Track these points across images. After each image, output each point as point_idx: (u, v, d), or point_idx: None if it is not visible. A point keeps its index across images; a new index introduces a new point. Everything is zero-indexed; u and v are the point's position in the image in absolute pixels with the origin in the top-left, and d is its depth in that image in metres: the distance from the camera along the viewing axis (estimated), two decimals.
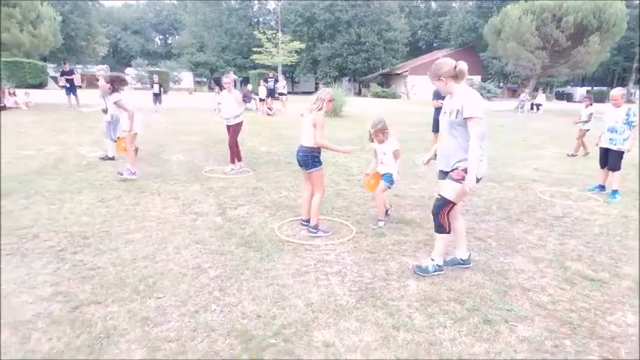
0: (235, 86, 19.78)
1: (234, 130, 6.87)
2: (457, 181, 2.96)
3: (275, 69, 28.81)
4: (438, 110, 8.36)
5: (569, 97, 43.86)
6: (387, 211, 4.40)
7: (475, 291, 2.93)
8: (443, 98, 8.63)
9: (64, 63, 16.97)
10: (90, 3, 42.70)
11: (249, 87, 18.52)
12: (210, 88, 51.27)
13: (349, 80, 48.94)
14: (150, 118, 14.84)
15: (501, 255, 3.60)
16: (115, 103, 6.11)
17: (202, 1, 51.12)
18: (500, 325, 2.50)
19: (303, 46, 31.35)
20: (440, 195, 3.08)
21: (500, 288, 2.97)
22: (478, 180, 2.93)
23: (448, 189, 3.03)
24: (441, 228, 3.12)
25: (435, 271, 3.15)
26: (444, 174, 3.13)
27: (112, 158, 7.39)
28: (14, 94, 15.52)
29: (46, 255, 3.38)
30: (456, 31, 43.05)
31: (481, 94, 8.43)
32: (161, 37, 75.35)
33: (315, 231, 3.96)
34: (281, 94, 18.38)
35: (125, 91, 6.26)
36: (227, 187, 5.77)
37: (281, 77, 20.11)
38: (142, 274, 3.09)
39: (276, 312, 2.63)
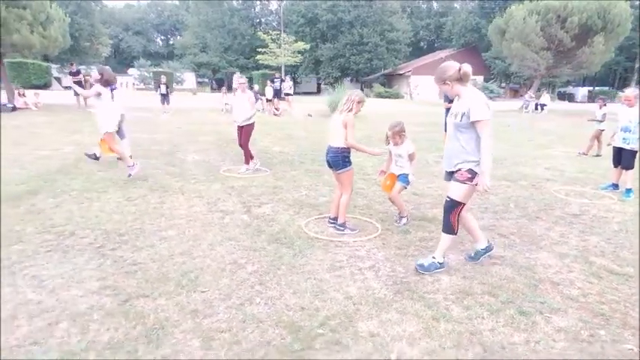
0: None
1: (246, 130, 6.90)
2: (462, 182, 3.06)
3: (279, 69, 28.93)
4: (448, 111, 8.48)
5: (570, 98, 43.91)
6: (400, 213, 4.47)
7: (506, 285, 3.03)
8: (452, 101, 8.76)
9: (71, 64, 17.09)
10: (93, 3, 42.82)
11: (256, 87, 18.62)
12: (213, 89, 51.48)
13: (351, 81, 49.05)
14: (158, 118, 14.98)
15: (526, 251, 3.71)
16: (96, 94, 6.03)
17: (205, 1, 51.25)
18: (536, 317, 2.61)
19: (307, 46, 31.46)
20: (448, 197, 3.18)
21: (530, 282, 3.08)
22: None
23: (455, 190, 3.13)
24: (450, 228, 3.21)
25: (435, 269, 3.22)
26: (449, 174, 3.24)
27: (98, 158, 7.16)
28: (24, 94, 15.64)
29: (87, 251, 3.49)
30: (458, 31, 43.18)
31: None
32: (162, 37, 75.47)
33: (342, 229, 4.06)
34: (287, 94, 18.49)
35: (109, 91, 6.11)
36: (247, 186, 5.88)
37: (287, 78, 20.22)
38: (182, 270, 3.20)
39: (319, 304, 2.73)
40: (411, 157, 4.34)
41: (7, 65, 29.59)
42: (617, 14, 18.83)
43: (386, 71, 45.01)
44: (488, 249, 3.43)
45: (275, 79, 19.18)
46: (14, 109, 14.50)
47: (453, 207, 3.15)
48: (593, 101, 38.75)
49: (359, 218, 4.58)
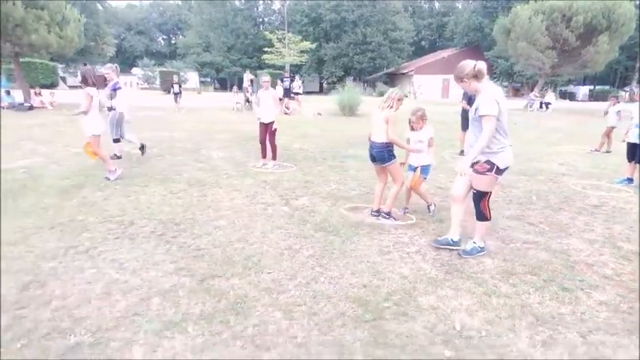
0: (253, 85, 20.22)
1: (271, 127, 7.11)
2: (482, 173, 3.29)
3: (283, 68, 29.20)
4: (465, 110, 8.75)
5: (571, 96, 44.23)
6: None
7: (545, 266, 3.31)
8: (470, 99, 9.02)
9: (84, 64, 17.37)
10: (98, 3, 43.03)
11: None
12: (215, 88, 51.74)
13: (353, 80, 49.37)
14: (172, 117, 15.25)
15: (556, 237, 3.98)
16: (86, 95, 5.62)
17: (208, 1, 51.50)
18: (577, 292, 2.88)
19: (313, 46, 31.77)
20: (475, 189, 3.42)
21: (566, 263, 3.36)
22: (503, 170, 3.31)
23: (479, 182, 3.36)
24: (483, 216, 3.46)
25: (477, 252, 3.47)
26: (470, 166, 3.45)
27: (120, 157, 7.32)
28: (40, 94, 15.91)
29: (151, 238, 3.76)
30: (461, 30, 43.48)
31: (470, 98, 8.64)
32: (164, 37, 75.66)
33: (387, 217, 4.33)
34: (296, 93, 18.76)
35: (100, 92, 5.99)
36: (279, 181, 6.14)
37: (297, 77, 20.49)
38: (244, 254, 3.47)
39: (378, 283, 3.01)
40: (430, 143, 4.56)
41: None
42: (622, 14, 19.12)
43: (388, 70, 45.28)
44: (456, 244, 3.61)
45: (284, 79, 19.44)
46: (31, 108, 14.76)
47: (481, 197, 3.40)
48: (595, 100, 39.13)
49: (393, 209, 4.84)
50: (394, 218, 4.36)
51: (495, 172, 3.29)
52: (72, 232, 3.82)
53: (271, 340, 2.31)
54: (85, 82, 5.67)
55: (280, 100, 18.54)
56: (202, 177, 6.20)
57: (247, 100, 18.33)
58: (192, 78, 48.47)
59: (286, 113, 17.51)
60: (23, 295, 2.71)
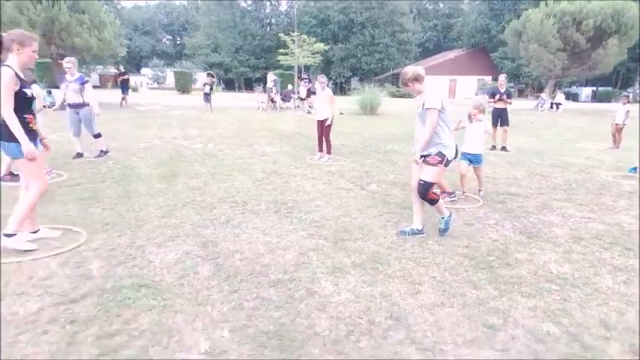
0: (275, 85, 20.91)
1: (326, 123, 7.85)
2: (434, 164, 3.71)
3: (299, 70, 29.95)
4: (496, 108, 9.51)
5: (574, 97, 44.98)
6: (451, 193, 5.23)
7: (605, 234, 4.06)
8: (493, 94, 9.75)
9: (116, 65, 18.15)
10: (118, 4, 43.68)
11: (290, 87, 19.63)
12: (223, 89, 52.46)
13: (360, 80, 50.15)
14: (205, 116, 15.98)
15: (607, 214, 4.73)
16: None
17: (216, 2, 52.25)
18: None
19: (327, 47, 32.54)
20: (423, 181, 3.76)
21: (622, 232, 4.11)
22: (450, 162, 3.77)
23: (429, 173, 3.75)
24: (433, 201, 3.85)
25: (449, 225, 3.92)
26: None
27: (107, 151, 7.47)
28: None
29: (271, 213, 4.50)
30: (468, 32, 44.31)
31: (494, 94, 9.38)
32: (170, 37, 76.33)
33: (453, 198, 5.12)
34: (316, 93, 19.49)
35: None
36: (342, 171, 6.87)
37: (318, 77, 21.20)
38: (355, 225, 4.20)
39: (476, 245, 3.74)
40: (485, 133, 5.36)
41: (36, 65, 30.61)
42: (631, 17, 19.93)
43: (395, 71, 46.01)
44: (421, 232, 3.93)
45: (304, 79, 20.20)
46: None
47: (427, 188, 3.78)
48: (598, 101, 39.95)
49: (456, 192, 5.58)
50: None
51: (445, 164, 3.75)
52: (204, 209, 4.56)
53: (418, 279, 3.04)
54: None
55: (303, 100, 19.38)
56: (273, 168, 6.94)
57: (272, 100, 19.08)
58: (201, 78, 49.21)
59: (310, 112, 18.25)
60: (207, 251, 3.44)
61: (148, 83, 49.74)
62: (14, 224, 3.29)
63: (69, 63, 6.96)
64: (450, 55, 44.07)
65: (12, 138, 3.18)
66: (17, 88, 3.19)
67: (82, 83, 6.94)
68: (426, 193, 3.81)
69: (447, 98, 3.84)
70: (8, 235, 3.26)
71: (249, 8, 55.27)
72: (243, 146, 9.19)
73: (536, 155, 8.92)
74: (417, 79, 3.74)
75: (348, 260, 3.34)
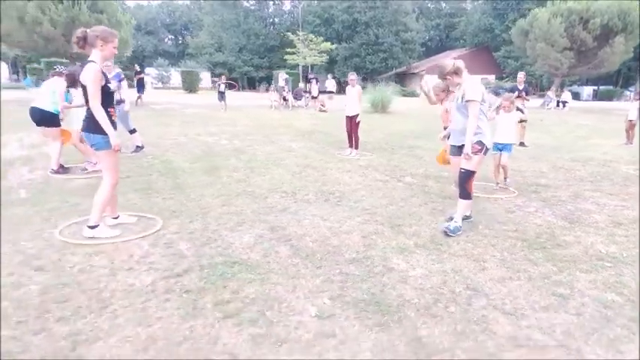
0: (287, 84, 21.22)
1: (355, 120, 8.13)
2: (475, 153, 3.77)
3: (305, 69, 30.20)
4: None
5: (576, 96, 45.22)
6: (497, 184, 5.63)
7: None
8: (512, 92, 9.91)
9: (134, 65, 18.42)
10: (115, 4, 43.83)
11: (301, 85, 19.89)
12: (227, 87, 52.80)
13: (363, 79, 50.38)
14: (221, 114, 16.22)
15: (636, 201, 5.00)
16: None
17: (220, 1, 52.48)
18: None
19: (333, 46, 32.83)
20: (464, 169, 3.83)
21: None
22: (487, 149, 3.88)
23: (470, 162, 3.80)
24: (467, 194, 3.89)
25: (458, 231, 3.79)
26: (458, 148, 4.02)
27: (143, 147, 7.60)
28: None
29: (322, 202, 4.75)
30: (472, 31, 44.60)
31: (497, 92, 9.73)
32: (172, 37, 76.52)
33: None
34: (330, 92, 19.78)
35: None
36: (373, 165, 7.12)
37: (329, 76, 21.52)
38: (404, 212, 4.46)
39: (523, 229, 4.00)
40: (521, 122, 5.63)
41: (44, 64, 30.82)
42: (637, 16, 20.20)
43: (399, 70, 46.30)
44: (469, 217, 4.10)
45: (311, 79, 20.50)
46: None
47: (468, 176, 3.84)
48: (599, 100, 40.26)
49: (490, 184, 5.85)
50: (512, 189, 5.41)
51: (484, 152, 3.87)
52: (257, 199, 4.81)
53: (480, 257, 3.29)
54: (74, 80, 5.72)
55: (314, 98, 19.67)
56: (305, 162, 7.19)
57: (284, 99, 19.34)
58: (206, 78, 49.46)
59: (322, 110, 18.53)
60: (278, 234, 3.70)
61: (152, 83, 49.94)
62: (95, 216, 3.52)
63: (107, 61, 7.23)
64: (454, 54, 44.29)
65: (98, 130, 3.42)
66: (103, 83, 3.44)
67: (119, 80, 7.20)
68: (467, 181, 3.87)
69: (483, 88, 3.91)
70: (92, 227, 3.50)
71: (253, 8, 55.47)
72: (268, 143, 9.43)
73: (553, 150, 9.18)
74: (457, 72, 3.84)
75: (410, 242, 3.60)
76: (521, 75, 10.36)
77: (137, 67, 17.56)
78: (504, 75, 39.92)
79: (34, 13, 12.83)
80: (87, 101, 3.43)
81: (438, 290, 2.73)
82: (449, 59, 4.02)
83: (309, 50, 27.94)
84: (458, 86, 3.94)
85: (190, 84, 33.41)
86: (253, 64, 52.87)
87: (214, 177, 5.87)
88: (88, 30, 3.45)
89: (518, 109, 6.77)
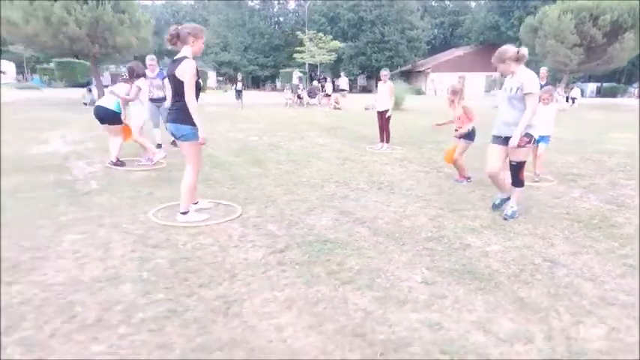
0: (301, 82, 21.53)
1: (386, 114, 8.40)
2: (523, 145, 3.84)
3: (313, 67, 30.49)
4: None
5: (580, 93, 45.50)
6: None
7: None
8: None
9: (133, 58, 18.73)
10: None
11: (315, 83, 20.18)
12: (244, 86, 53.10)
13: (367, 78, 50.64)
14: (239, 112, 16.51)
15: None
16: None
17: (225, 1, 52.76)
18: None
19: (342, 45, 33.09)
20: (514, 162, 3.98)
21: None
22: (536, 140, 4.06)
23: (519, 154, 3.93)
24: (520, 182, 4.06)
25: (516, 215, 4.03)
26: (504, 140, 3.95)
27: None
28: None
29: (374, 191, 5.03)
30: (477, 29, 44.82)
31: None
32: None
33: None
34: (343, 89, 20.07)
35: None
36: (407, 158, 7.39)
37: (342, 74, 21.81)
38: (457, 198, 4.73)
39: (575, 212, 4.28)
40: (562, 110, 5.87)
41: (56, 65, 31.12)
42: None
43: (404, 68, 46.51)
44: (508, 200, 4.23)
45: (321, 79, 20.82)
46: None
47: (519, 167, 4.01)
48: (602, 96, 40.51)
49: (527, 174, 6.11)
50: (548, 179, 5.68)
51: (533, 143, 3.94)
52: (314, 188, 5.09)
53: (545, 236, 3.57)
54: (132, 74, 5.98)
55: (328, 96, 19.96)
56: (342, 155, 7.47)
57: (299, 97, 19.63)
58: (212, 77, 49.78)
59: (337, 108, 18.82)
60: (351, 218, 3.98)
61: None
62: (184, 203, 3.81)
63: (152, 60, 7.51)
64: (459, 52, 44.63)
65: (188, 121, 3.69)
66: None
67: (163, 78, 7.29)
68: (519, 171, 4.00)
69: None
70: (183, 213, 3.79)
71: (258, 7, 55.75)
72: (298, 138, 9.70)
73: (575, 144, 9.45)
74: (519, 59, 3.74)
75: (474, 224, 3.88)
76: (543, 70, 10.52)
77: None
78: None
79: (60, 13, 13.10)
80: (177, 94, 3.69)
81: (520, 262, 3.01)
82: (510, 45, 3.89)
83: (318, 49, 28.20)
84: (511, 75, 3.86)
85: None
86: (258, 63, 53.16)
87: (263, 169, 6.15)
88: (179, 27, 3.71)
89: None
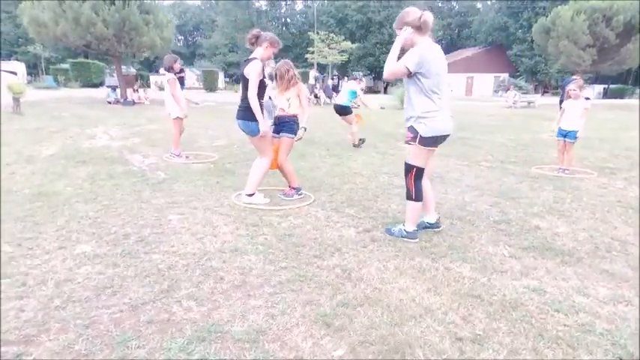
0: (318, 82, 21.71)
1: None
2: (407, 142, 2.99)
3: (324, 67, 30.79)
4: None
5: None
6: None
7: None
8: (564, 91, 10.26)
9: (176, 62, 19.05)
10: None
11: (329, 82, 20.45)
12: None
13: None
14: None
15: None
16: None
17: (233, 1, 53.18)
18: None
19: (354, 45, 33.39)
20: (405, 160, 3.11)
21: None
22: (428, 140, 2.90)
23: (407, 152, 3.04)
24: (408, 193, 3.12)
25: (400, 235, 3.14)
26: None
27: None
28: (137, 90, 17.50)
29: (438, 182, 5.28)
30: (486, 30, 45.06)
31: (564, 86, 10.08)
32: (181, 37, 77.24)
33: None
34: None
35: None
36: (443, 154, 7.61)
37: (361, 74, 22.09)
38: (509, 188, 4.99)
39: (623, 200, 4.53)
40: (583, 112, 6.08)
41: (70, 65, 31.50)
42: None
43: None
44: (434, 226, 3.36)
45: (333, 77, 21.10)
46: (134, 103, 16.33)
47: (407, 170, 3.09)
48: (609, 98, 40.62)
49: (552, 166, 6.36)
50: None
51: (419, 142, 2.91)
52: (369, 178, 5.36)
53: (605, 219, 3.83)
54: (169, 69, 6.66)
55: None
56: (379, 149, 7.74)
57: (316, 96, 19.90)
58: (220, 78, 50.17)
59: (352, 106, 19.04)
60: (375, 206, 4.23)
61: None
62: (252, 186, 4.10)
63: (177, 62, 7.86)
64: (467, 53, 44.81)
65: (254, 118, 3.94)
66: (262, 77, 3.98)
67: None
68: (406, 176, 3.15)
69: (440, 59, 3.06)
70: (249, 195, 4.07)
71: (265, 8, 56.17)
72: (327, 134, 10.01)
73: (600, 142, 9.67)
74: (421, 27, 2.95)
75: (533, 210, 4.14)
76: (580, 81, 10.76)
77: (177, 66, 18.13)
78: (518, 73, 40.43)
79: (88, 13, 13.42)
80: (245, 92, 3.95)
81: (592, 241, 3.27)
82: (414, 8, 3.18)
83: (329, 49, 28.52)
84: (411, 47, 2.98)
85: (211, 83, 34.14)
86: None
87: (308, 162, 6.43)
88: (261, 31, 3.99)
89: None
